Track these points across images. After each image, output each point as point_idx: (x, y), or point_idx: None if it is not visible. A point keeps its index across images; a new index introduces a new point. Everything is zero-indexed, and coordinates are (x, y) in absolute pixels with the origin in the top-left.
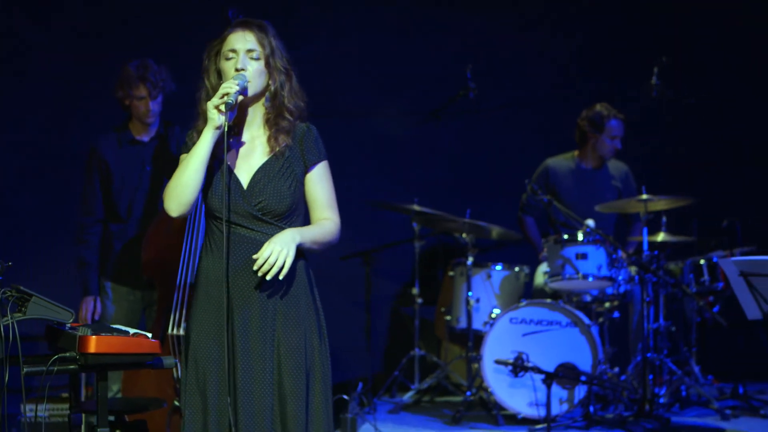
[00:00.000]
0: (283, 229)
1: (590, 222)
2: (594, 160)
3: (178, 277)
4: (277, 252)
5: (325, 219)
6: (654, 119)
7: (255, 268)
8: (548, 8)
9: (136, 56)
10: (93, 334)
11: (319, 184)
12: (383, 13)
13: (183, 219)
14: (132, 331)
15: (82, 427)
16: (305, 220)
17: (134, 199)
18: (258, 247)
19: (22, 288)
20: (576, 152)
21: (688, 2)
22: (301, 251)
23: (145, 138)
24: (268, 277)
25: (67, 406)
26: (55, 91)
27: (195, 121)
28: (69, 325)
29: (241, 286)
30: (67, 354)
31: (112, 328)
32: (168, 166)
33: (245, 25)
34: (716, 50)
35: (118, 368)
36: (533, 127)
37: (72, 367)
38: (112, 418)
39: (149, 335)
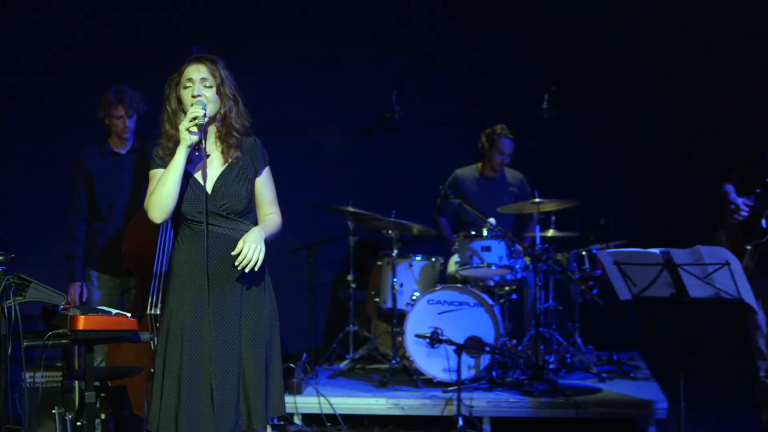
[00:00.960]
0: (243, 223)
1: (492, 221)
2: (491, 170)
3: (155, 266)
4: (253, 249)
5: (271, 214)
6: (545, 136)
7: (236, 263)
8: (458, 45)
9: (115, 83)
10: (81, 314)
11: (265, 185)
12: (327, 50)
13: None
14: (114, 311)
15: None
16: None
17: (113, 201)
18: (226, 240)
19: (22, 275)
20: (480, 164)
21: (574, 43)
22: None
23: (123, 151)
24: (246, 270)
25: (60, 374)
26: (51, 113)
27: (158, 139)
28: (62, 306)
29: (215, 274)
30: (60, 330)
31: (98, 309)
32: (142, 176)
33: (199, 60)
34: (595, 81)
35: (102, 342)
36: (446, 143)
37: (64, 341)
38: (97, 383)
39: (129, 315)
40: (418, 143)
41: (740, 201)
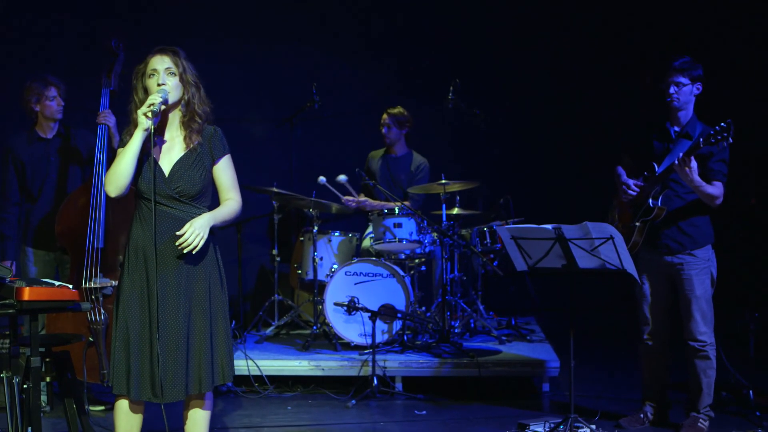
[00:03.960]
0: (195, 207)
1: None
2: (391, 148)
3: (87, 243)
4: (195, 234)
5: (229, 199)
6: (451, 124)
7: (177, 243)
8: (372, 41)
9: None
10: (27, 286)
11: (224, 172)
12: (253, 45)
13: (86, 200)
14: (57, 283)
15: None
16: (214, 198)
17: (43, 183)
18: (176, 221)
19: None
20: (386, 148)
21: (476, 39)
22: (211, 229)
23: (49, 135)
24: (185, 252)
25: (8, 341)
26: None
27: (127, 125)
28: (8, 279)
29: (163, 251)
30: (7, 301)
31: (41, 281)
32: (69, 158)
33: (162, 51)
34: (496, 73)
35: (46, 311)
36: (361, 129)
37: (11, 311)
38: (42, 349)
39: (70, 286)
40: (336, 130)
41: (631, 182)
